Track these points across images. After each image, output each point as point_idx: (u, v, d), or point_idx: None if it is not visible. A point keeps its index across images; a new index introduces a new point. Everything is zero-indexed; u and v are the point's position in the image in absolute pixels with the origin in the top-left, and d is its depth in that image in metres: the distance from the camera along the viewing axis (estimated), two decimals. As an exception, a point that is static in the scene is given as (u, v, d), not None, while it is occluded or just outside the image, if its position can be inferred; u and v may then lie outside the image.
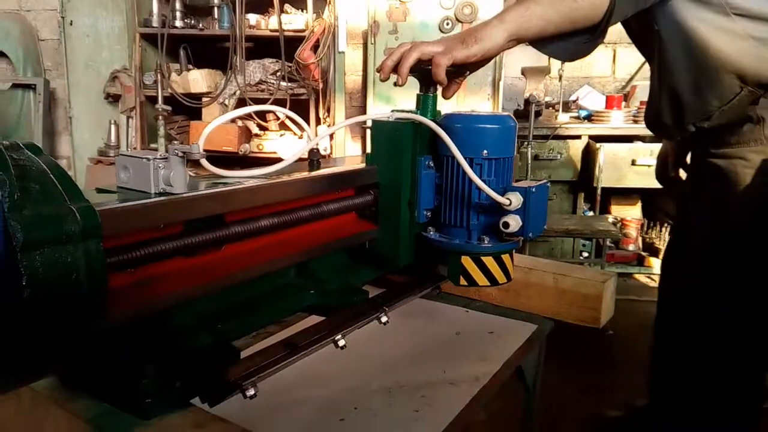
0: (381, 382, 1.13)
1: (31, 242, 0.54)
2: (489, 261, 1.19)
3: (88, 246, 0.59)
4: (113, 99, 4.66)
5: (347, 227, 1.24)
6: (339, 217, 1.22)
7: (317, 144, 1.28)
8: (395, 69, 1.23)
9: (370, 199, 1.24)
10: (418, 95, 1.28)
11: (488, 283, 1.21)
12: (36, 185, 0.57)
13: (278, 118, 4.30)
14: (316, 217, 1.14)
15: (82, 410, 0.84)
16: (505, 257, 1.21)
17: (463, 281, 1.21)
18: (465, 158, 1.12)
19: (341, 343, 0.97)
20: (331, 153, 4.18)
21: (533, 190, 1.11)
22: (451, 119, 1.18)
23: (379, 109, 4.10)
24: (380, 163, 1.23)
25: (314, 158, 1.24)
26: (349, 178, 1.23)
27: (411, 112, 1.25)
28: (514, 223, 1.10)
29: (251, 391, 0.81)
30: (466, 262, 1.19)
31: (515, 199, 1.10)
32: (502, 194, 1.11)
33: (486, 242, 1.18)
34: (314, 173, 1.18)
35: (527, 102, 4.05)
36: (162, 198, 0.80)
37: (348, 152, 4.35)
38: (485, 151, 1.15)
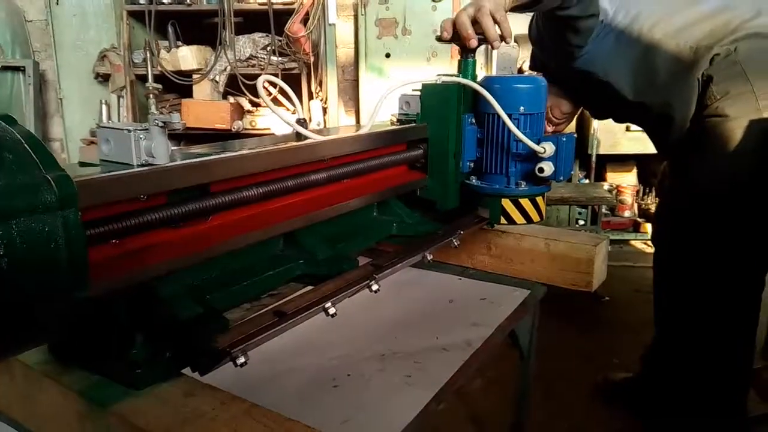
0: (374, 349, 1.14)
1: (7, 211, 0.54)
2: (526, 202, 1.40)
3: (65, 215, 0.58)
4: (103, 79, 4.62)
5: (401, 177, 1.43)
6: (393, 168, 1.40)
7: (309, 116, 1.32)
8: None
9: (421, 153, 1.42)
10: (459, 60, 1.42)
11: (525, 222, 1.42)
12: (10, 155, 0.56)
13: (270, 94, 4.27)
14: (375, 168, 1.31)
15: (74, 382, 0.84)
16: (539, 199, 1.42)
17: (503, 221, 1.42)
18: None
19: (332, 311, 0.97)
20: (325, 126, 4.16)
21: (564, 139, 1.30)
22: (491, 81, 1.35)
23: (371, 81, 4.09)
24: (429, 121, 1.40)
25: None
26: (403, 134, 1.39)
27: (454, 75, 1.39)
28: (548, 168, 1.29)
29: (241, 359, 0.81)
30: (506, 204, 1.40)
31: (549, 148, 1.28)
32: (537, 144, 1.28)
33: (523, 186, 1.38)
34: (374, 131, 1.32)
35: (520, 71, 4.01)
36: (144, 168, 0.80)
37: (342, 124, 4.34)
38: (522, 108, 1.33)
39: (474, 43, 1.32)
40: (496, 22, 1.28)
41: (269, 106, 1.18)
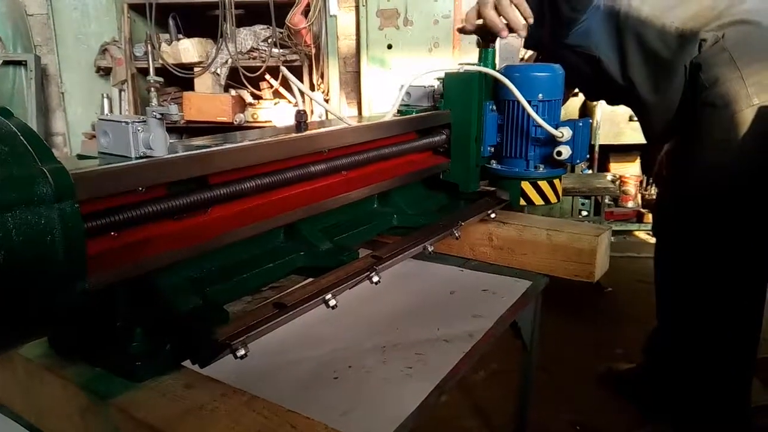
0: (375, 341, 1.14)
1: (2, 204, 0.53)
2: (544, 184, 1.49)
3: (62, 207, 0.58)
4: (104, 72, 4.61)
5: (427, 161, 1.49)
6: (419, 153, 1.47)
7: (311, 108, 1.33)
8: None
9: (445, 138, 1.49)
10: (480, 50, 1.50)
11: (542, 202, 1.51)
12: (6, 147, 0.56)
13: (272, 86, 4.26)
14: (400, 153, 1.36)
15: (75, 375, 0.84)
16: (556, 181, 1.51)
17: (522, 202, 1.51)
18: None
19: (332, 303, 0.97)
20: (326, 118, 4.15)
21: (580, 124, 1.37)
22: (511, 70, 1.42)
23: (373, 72, 4.09)
24: (452, 108, 1.47)
25: (301, 120, 1.23)
26: (428, 120, 1.45)
27: (475, 64, 1.47)
28: (566, 151, 1.37)
29: (241, 351, 0.81)
30: (525, 186, 1.49)
31: (566, 132, 1.36)
32: (555, 129, 1.36)
33: (541, 169, 1.46)
34: (400, 117, 1.38)
35: (522, 60, 3.99)
36: (141, 161, 0.79)
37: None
38: (540, 95, 1.40)
39: (506, 33, 1.38)
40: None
41: (306, 92, 1.20)
